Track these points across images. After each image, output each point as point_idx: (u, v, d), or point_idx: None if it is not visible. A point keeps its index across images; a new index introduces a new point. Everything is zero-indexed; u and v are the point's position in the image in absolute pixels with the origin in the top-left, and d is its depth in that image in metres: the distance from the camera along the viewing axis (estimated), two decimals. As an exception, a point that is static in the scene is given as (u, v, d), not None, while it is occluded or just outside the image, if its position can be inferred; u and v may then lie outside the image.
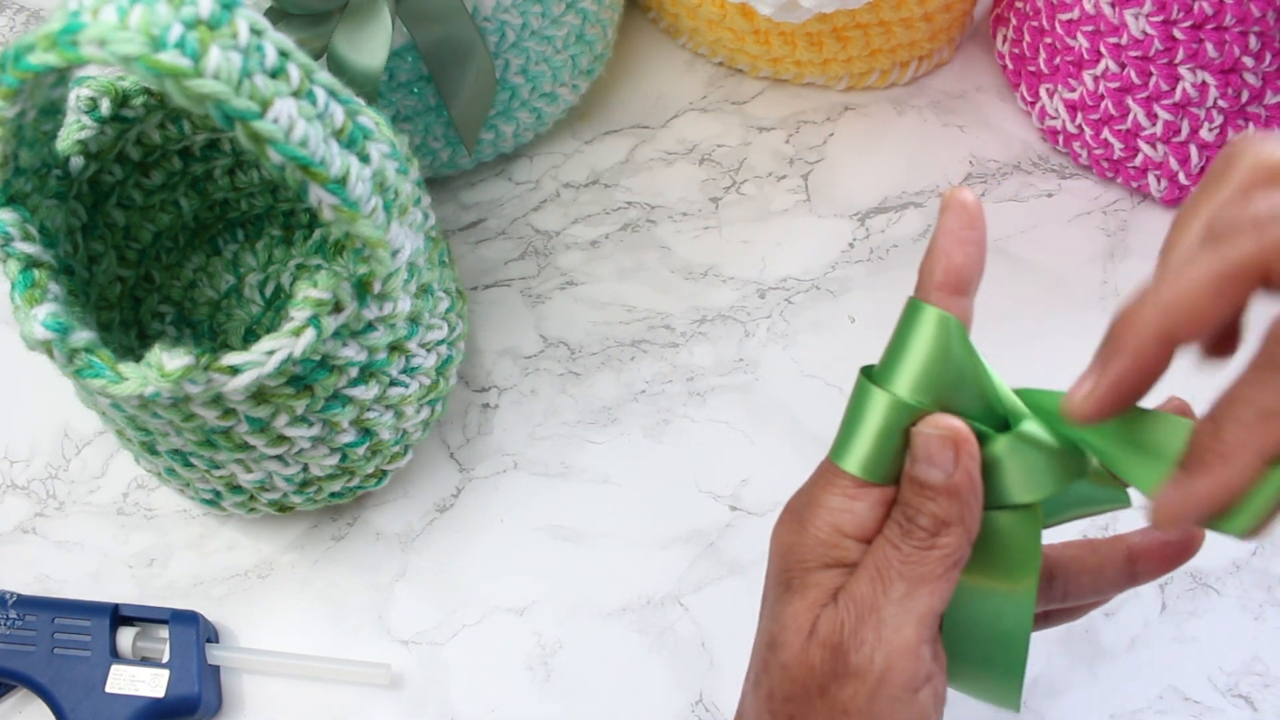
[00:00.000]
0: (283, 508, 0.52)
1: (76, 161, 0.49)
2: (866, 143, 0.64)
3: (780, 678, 0.36)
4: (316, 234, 0.58)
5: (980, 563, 0.37)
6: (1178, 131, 0.58)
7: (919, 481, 0.35)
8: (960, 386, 0.36)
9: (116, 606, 0.51)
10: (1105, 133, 0.59)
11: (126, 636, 0.50)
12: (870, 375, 0.37)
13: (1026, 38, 0.62)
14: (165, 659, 0.50)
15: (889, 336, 0.37)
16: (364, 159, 0.40)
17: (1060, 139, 0.62)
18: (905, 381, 0.36)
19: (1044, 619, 0.42)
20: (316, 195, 0.39)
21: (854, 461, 0.36)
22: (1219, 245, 0.30)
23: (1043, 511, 0.37)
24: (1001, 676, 0.38)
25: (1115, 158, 0.60)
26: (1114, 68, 0.57)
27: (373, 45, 0.50)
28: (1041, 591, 0.40)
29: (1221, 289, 0.29)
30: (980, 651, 0.38)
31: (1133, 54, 0.56)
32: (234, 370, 0.41)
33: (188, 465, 0.49)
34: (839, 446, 0.37)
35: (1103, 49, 0.57)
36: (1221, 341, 0.34)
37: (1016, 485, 0.36)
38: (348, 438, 0.49)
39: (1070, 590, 0.41)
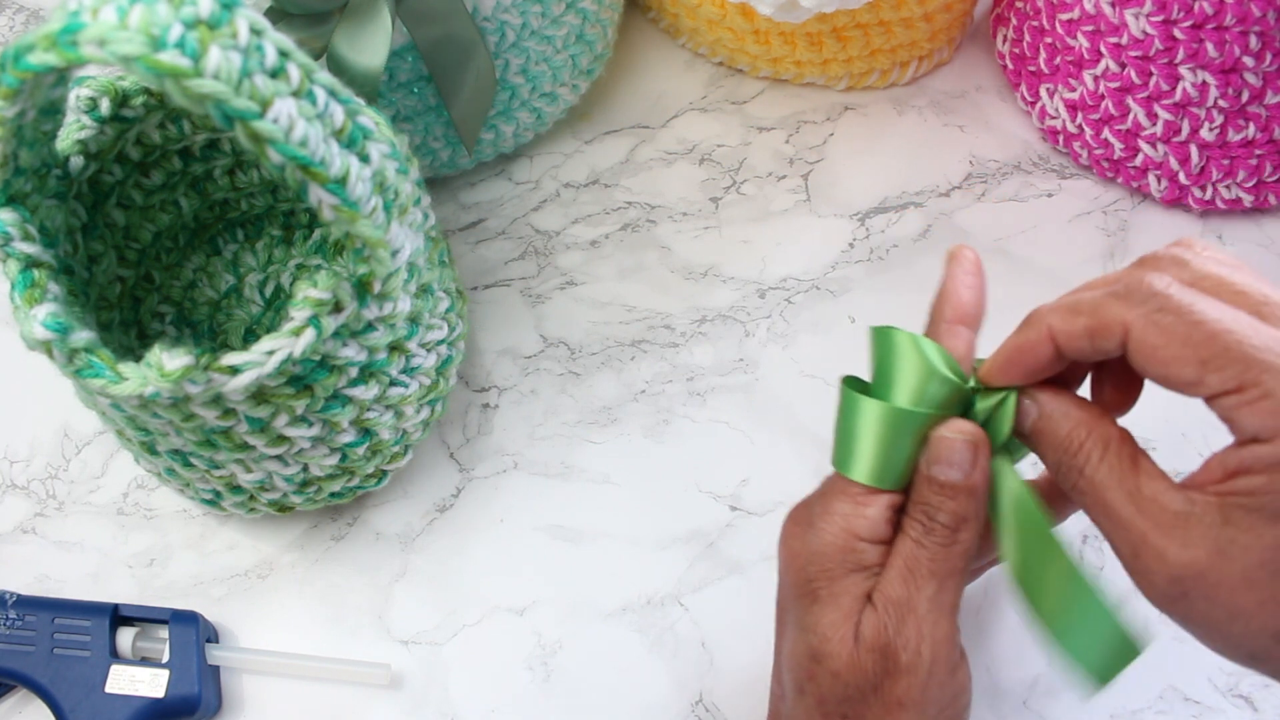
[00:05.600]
0: (283, 508, 0.52)
1: (76, 161, 0.49)
2: (866, 143, 0.64)
3: (831, 685, 0.38)
4: (316, 234, 0.58)
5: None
6: (1178, 131, 0.58)
7: (938, 482, 0.37)
8: (950, 389, 0.38)
9: (116, 606, 0.51)
10: (1105, 132, 0.59)
11: (126, 636, 0.50)
12: (855, 385, 0.39)
13: (1027, 37, 0.62)
14: (165, 659, 0.50)
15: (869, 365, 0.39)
16: (364, 159, 0.40)
17: (1060, 139, 0.62)
18: (901, 394, 0.38)
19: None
20: (316, 195, 0.39)
21: (863, 471, 0.38)
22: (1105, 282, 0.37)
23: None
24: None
25: (1115, 157, 0.60)
26: (1114, 67, 0.57)
27: (373, 45, 0.50)
28: None
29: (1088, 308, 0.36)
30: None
31: (1133, 54, 0.56)
32: (234, 370, 0.41)
33: (188, 465, 0.49)
34: (843, 457, 0.39)
35: (1103, 49, 0.57)
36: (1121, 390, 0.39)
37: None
38: (348, 438, 0.49)
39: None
